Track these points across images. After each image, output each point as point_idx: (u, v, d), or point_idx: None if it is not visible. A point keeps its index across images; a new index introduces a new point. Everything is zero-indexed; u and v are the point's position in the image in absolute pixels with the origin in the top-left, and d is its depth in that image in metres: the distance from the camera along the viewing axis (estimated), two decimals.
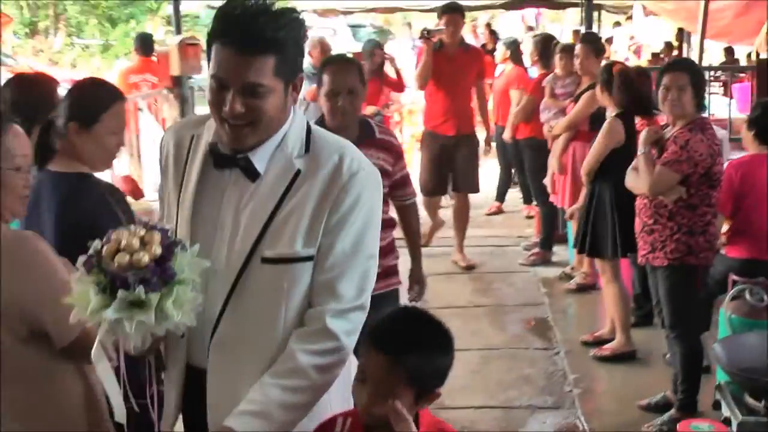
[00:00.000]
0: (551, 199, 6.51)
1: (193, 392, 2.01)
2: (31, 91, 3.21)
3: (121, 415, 1.97)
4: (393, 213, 3.74)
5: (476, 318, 5.77)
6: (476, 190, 7.07)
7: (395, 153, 3.58)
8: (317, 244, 1.91)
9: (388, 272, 3.54)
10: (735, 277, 4.31)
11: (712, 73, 10.45)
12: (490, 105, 8.08)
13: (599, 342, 5.16)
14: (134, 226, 1.82)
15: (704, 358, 4.23)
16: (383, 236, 3.27)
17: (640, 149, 4.17)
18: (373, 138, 3.46)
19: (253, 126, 1.89)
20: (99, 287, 1.75)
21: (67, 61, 18.69)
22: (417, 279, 3.91)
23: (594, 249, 5.01)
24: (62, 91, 3.13)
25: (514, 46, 8.01)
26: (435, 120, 6.81)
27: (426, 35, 6.69)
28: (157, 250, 1.74)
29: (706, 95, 5.04)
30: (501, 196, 8.91)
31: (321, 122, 3.38)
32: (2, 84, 3.39)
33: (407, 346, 1.85)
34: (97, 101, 2.79)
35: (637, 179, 4.16)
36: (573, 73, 6.25)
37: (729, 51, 12.98)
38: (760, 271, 4.26)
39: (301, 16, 1.91)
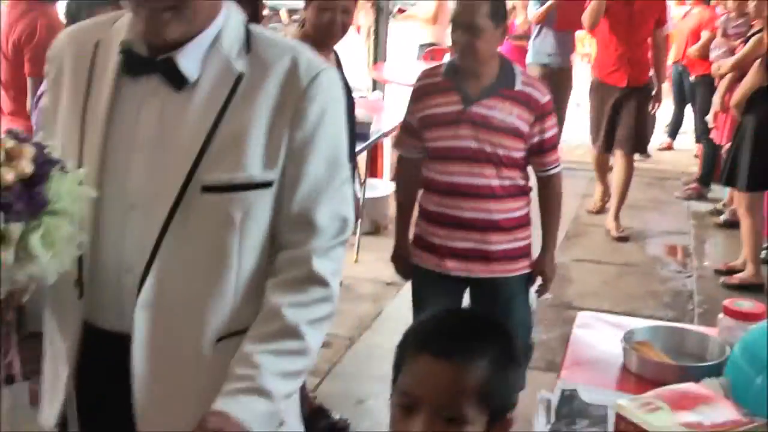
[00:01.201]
0: (712, 135, 6.76)
1: (95, 367, 1.57)
2: None
3: None
4: (533, 179, 3.18)
5: (621, 238, 6.21)
6: (643, 149, 6.66)
7: (538, 110, 2.97)
8: (279, 167, 1.52)
9: (516, 253, 3.08)
10: None
11: None
12: (672, 49, 7.95)
13: (732, 271, 5.50)
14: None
15: None
16: (515, 206, 3.04)
17: None
18: (511, 88, 2.96)
19: (176, 10, 1.46)
20: None
21: None
22: (544, 269, 3.20)
23: (731, 179, 5.33)
24: None
25: None
26: (605, 68, 6.15)
27: None
28: (27, 167, 1.34)
29: None
30: (673, 134, 9.13)
31: (452, 65, 3.05)
32: None
33: (478, 352, 1.37)
34: None
35: None
36: (746, 14, 6.44)
37: None
38: None
39: None
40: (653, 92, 6.22)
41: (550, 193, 3.15)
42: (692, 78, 7.73)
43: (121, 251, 1.52)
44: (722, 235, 6.36)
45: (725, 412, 1.83)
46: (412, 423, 1.34)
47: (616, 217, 6.33)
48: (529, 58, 7.31)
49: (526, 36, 7.48)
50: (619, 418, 1.83)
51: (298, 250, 1.55)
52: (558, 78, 7.07)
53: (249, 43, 1.56)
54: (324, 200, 1.57)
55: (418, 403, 1.35)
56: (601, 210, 6.73)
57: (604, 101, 6.13)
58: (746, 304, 2.44)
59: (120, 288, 1.53)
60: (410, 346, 1.41)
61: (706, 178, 7.35)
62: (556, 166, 3.11)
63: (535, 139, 3.00)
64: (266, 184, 1.53)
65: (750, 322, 2.21)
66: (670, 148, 9.13)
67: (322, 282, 1.56)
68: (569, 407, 1.96)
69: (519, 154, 3.00)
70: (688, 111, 8.52)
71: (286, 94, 1.53)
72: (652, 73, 6.23)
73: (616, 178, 6.34)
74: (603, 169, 6.68)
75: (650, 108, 6.33)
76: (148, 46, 1.53)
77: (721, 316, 2.37)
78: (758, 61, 5.19)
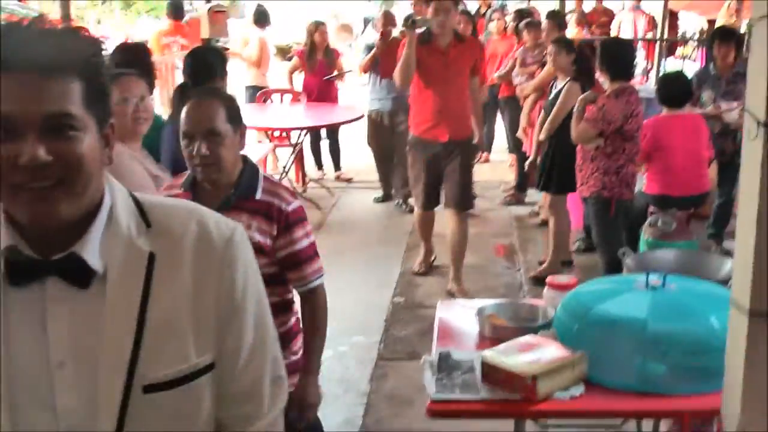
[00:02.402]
0: (524, 148, 7.77)
1: None
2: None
3: None
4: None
5: None
6: (471, 205, 6.19)
7: (282, 220, 2.68)
8: (214, 346, 1.40)
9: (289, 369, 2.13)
10: (651, 209, 5.65)
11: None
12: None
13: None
14: None
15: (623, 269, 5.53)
16: (278, 323, 2.11)
17: (576, 107, 5.44)
18: (251, 198, 2.67)
19: (64, 186, 1.25)
20: None
21: (91, 18, 19.79)
22: (305, 396, 2.77)
23: (546, 186, 6.32)
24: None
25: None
26: (423, 124, 5.77)
27: (409, 25, 5.54)
28: None
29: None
30: (488, 147, 10.18)
31: (192, 180, 2.69)
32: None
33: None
34: None
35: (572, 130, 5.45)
36: (540, 44, 7.50)
37: (711, 21, 14.10)
38: (670, 204, 5.57)
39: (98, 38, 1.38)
40: (475, 142, 6.01)
41: (313, 307, 2.82)
42: (500, 98, 8.75)
43: None
44: (540, 233, 7.34)
45: (555, 351, 2.61)
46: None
47: (458, 279, 6.02)
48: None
49: None
50: (484, 364, 2.58)
51: (250, 428, 1.48)
52: (392, 122, 7.95)
53: (144, 215, 1.38)
54: (265, 369, 1.49)
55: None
56: (428, 271, 6.47)
57: (425, 158, 5.79)
58: (563, 278, 3.27)
59: None
60: None
61: (522, 185, 8.36)
62: (317, 278, 2.78)
63: (283, 253, 2.70)
64: (210, 367, 1.39)
65: (566, 291, 3.02)
66: (487, 160, 10.17)
67: None
68: (446, 363, 2.69)
69: (269, 270, 2.64)
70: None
71: (205, 266, 1.38)
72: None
73: (453, 239, 5.97)
74: (428, 227, 6.27)
75: (475, 159, 6.33)
76: (34, 247, 1.30)
77: (545, 289, 3.18)
78: (566, 88, 6.11)
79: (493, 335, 2.92)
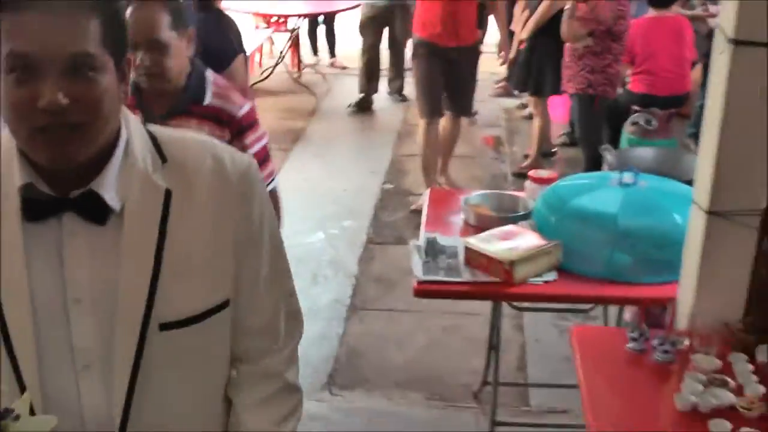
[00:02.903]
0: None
1: None
2: None
3: None
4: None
5: None
6: (470, 113, 6.20)
7: (234, 126, 2.62)
8: (230, 281, 1.40)
9: None
10: (634, 107, 5.84)
11: None
12: None
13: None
14: None
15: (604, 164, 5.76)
16: None
17: (567, 6, 5.56)
18: (200, 103, 2.60)
19: (85, 129, 1.24)
20: None
21: None
22: None
23: (528, 87, 6.51)
24: None
25: None
26: (430, 28, 5.44)
27: None
28: None
29: None
30: (481, 40, 10.22)
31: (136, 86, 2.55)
32: None
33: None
34: None
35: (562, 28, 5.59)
36: None
37: None
38: (652, 103, 5.76)
39: None
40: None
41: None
42: None
43: (79, 417, 1.34)
44: (527, 124, 7.53)
45: (532, 240, 2.86)
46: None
47: (446, 172, 6.04)
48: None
49: None
50: (467, 250, 2.83)
51: (265, 363, 1.50)
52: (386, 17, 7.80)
53: (160, 150, 1.37)
54: (280, 302, 1.51)
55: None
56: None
57: (431, 64, 5.49)
58: (544, 172, 3.50)
59: None
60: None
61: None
62: (269, 182, 2.69)
63: None
64: (224, 305, 1.40)
65: (546, 185, 3.25)
66: (505, 61, 10.22)
67: (296, 390, 1.56)
68: (432, 248, 2.93)
69: None
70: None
71: (221, 201, 1.37)
72: None
73: (444, 135, 5.84)
74: (435, 145, 5.80)
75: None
76: (51, 184, 1.29)
77: (527, 182, 3.41)
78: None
79: (477, 223, 3.16)
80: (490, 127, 7.58)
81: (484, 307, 3.60)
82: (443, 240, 3.01)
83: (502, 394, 3.39)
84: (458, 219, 3.27)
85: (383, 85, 8.41)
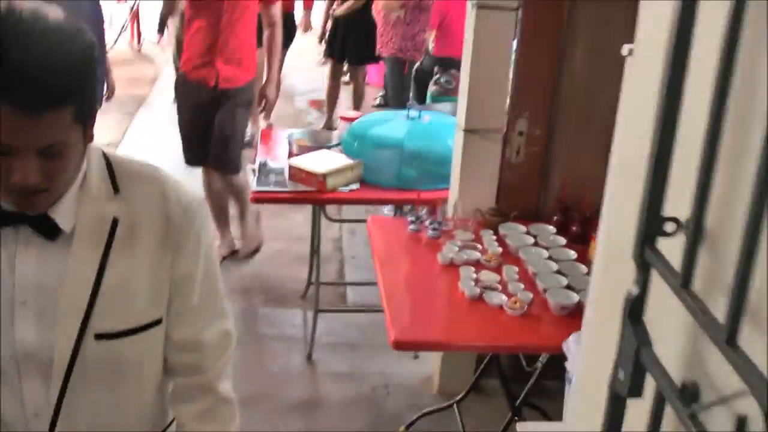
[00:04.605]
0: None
1: None
2: None
3: None
4: None
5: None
6: (235, 169, 4.59)
7: None
8: (165, 303, 1.53)
9: None
10: (436, 69, 6.80)
11: None
12: None
13: None
14: None
15: None
16: None
17: None
18: None
19: (50, 190, 1.37)
20: None
21: None
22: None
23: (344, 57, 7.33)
24: None
25: None
26: (191, 61, 4.43)
27: None
28: None
29: None
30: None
31: None
32: None
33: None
34: None
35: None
36: None
37: None
38: (452, 65, 6.72)
39: (88, 35, 1.32)
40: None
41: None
42: None
43: (20, 401, 1.48)
44: (348, 90, 8.43)
45: (341, 159, 3.70)
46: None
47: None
48: None
49: None
50: (291, 167, 3.64)
51: (198, 378, 1.61)
52: None
53: (114, 182, 1.48)
54: (211, 322, 1.60)
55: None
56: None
57: (190, 104, 4.51)
58: (352, 113, 4.35)
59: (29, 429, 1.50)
60: None
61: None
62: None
63: None
64: (157, 322, 1.52)
65: (352, 122, 4.09)
66: None
67: (229, 402, 1.66)
68: (264, 168, 3.72)
69: None
70: None
71: (163, 236, 1.48)
72: None
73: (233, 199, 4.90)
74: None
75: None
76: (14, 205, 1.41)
77: (338, 121, 4.26)
78: None
79: (298, 153, 3.97)
80: (316, 92, 8.40)
81: (309, 230, 4.41)
82: (272, 164, 3.80)
83: (324, 293, 4.22)
84: (285, 150, 4.06)
85: None
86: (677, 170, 0.90)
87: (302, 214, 5.09)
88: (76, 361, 1.44)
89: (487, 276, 2.89)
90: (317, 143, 4.07)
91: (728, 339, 0.76)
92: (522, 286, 2.81)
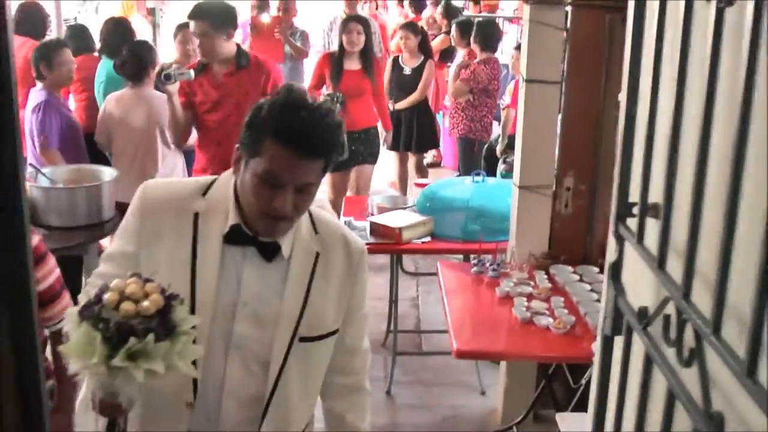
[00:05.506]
0: None
1: None
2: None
3: None
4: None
5: None
6: None
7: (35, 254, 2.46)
8: (342, 318, 1.99)
9: None
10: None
11: None
12: None
13: None
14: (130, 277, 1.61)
15: None
16: None
17: (452, 70, 7.10)
18: None
19: (292, 220, 1.84)
20: (103, 336, 1.54)
21: None
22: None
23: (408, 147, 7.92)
24: None
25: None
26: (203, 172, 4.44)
27: (164, 80, 4.32)
28: (160, 301, 1.58)
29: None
30: None
31: None
32: None
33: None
34: None
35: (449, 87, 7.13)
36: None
37: None
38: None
39: (338, 116, 1.81)
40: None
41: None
42: None
43: (221, 380, 1.89)
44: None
45: (415, 216, 4.29)
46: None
47: None
48: None
49: None
50: (372, 224, 4.24)
51: (353, 377, 2.11)
52: None
53: (314, 225, 1.95)
54: (364, 334, 2.11)
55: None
56: None
57: None
58: (425, 180, 4.95)
59: (241, 415, 1.92)
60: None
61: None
62: (58, 322, 2.53)
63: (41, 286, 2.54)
64: (336, 332, 1.99)
65: (424, 187, 4.68)
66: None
67: (371, 394, 2.18)
68: (349, 226, 4.33)
69: None
70: None
71: (345, 270, 1.96)
72: None
73: None
74: None
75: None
76: (249, 228, 1.85)
77: (412, 187, 4.85)
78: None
79: (379, 212, 4.57)
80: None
81: (388, 291, 4.96)
82: (356, 222, 4.42)
83: (400, 340, 4.75)
84: (366, 213, 4.68)
85: None
86: (643, 166, 1.20)
87: (382, 278, 5.64)
88: (288, 357, 1.89)
89: (537, 304, 3.42)
90: (394, 206, 4.68)
91: (684, 295, 1.04)
92: (566, 311, 3.32)
